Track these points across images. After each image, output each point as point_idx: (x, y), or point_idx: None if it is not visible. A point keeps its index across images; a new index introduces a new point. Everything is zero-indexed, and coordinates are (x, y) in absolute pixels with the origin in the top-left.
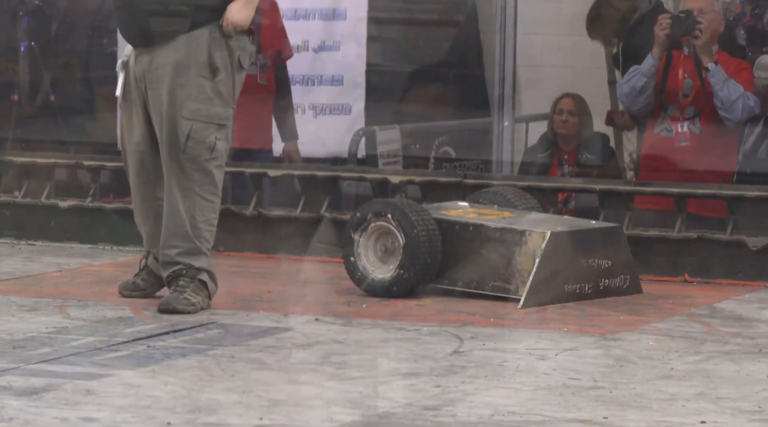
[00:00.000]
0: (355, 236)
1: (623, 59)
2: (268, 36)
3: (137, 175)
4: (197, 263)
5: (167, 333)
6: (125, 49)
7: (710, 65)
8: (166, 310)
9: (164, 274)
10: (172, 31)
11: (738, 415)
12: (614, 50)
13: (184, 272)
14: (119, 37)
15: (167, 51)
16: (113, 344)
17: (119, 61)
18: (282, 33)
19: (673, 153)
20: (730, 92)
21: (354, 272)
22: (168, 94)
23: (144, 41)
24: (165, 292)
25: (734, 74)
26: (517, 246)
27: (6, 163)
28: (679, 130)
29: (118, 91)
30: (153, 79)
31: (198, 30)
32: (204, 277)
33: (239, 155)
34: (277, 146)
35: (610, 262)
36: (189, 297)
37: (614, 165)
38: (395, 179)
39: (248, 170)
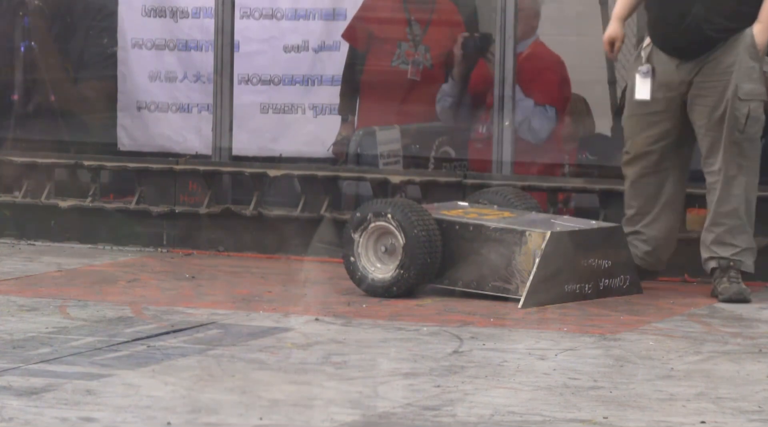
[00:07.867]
0: (355, 236)
1: None
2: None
3: (647, 168)
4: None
5: (167, 333)
6: (643, 58)
7: None
8: (739, 299)
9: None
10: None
11: (738, 415)
12: None
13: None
14: (119, 36)
15: (723, 54)
16: (113, 344)
17: (645, 68)
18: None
19: None
20: None
21: (354, 272)
22: (731, 86)
23: (696, 52)
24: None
25: None
26: (517, 246)
27: (6, 163)
28: None
29: (647, 95)
30: (710, 78)
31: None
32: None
33: None
34: None
35: (610, 262)
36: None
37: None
38: (395, 179)
39: (248, 170)
